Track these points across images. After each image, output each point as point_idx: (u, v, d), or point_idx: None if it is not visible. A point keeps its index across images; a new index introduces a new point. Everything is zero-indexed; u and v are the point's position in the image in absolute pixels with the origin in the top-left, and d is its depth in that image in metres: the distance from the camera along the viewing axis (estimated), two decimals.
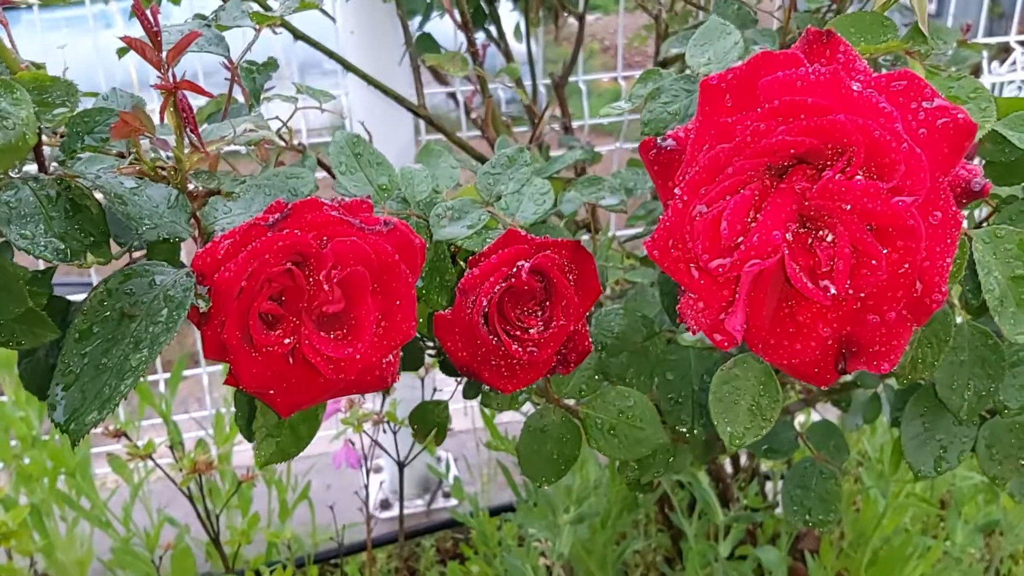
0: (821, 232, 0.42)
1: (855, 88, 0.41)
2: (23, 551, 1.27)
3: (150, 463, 1.07)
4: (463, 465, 1.95)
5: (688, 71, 0.64)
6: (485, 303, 0.52)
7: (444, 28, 1.48)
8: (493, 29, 1.41)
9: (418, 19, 1.39)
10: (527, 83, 1.46)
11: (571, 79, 1.66)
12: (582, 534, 1.42)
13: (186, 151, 0.49)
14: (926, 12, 0.57)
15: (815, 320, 0.43)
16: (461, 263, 0.59)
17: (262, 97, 0.67)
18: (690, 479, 1.41)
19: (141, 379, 0.45)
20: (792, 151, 0.42)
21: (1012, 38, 1.96)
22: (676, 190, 0.44)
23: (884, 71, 0.62)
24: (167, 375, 1.75)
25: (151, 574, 1.53)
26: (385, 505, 1.91)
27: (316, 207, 0.46)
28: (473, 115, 1.03)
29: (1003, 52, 2.02)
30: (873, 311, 0.42)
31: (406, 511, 1.90)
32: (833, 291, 0.41)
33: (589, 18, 1.44)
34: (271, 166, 0.71)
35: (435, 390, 1.15)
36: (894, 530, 1.27)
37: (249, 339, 0.46)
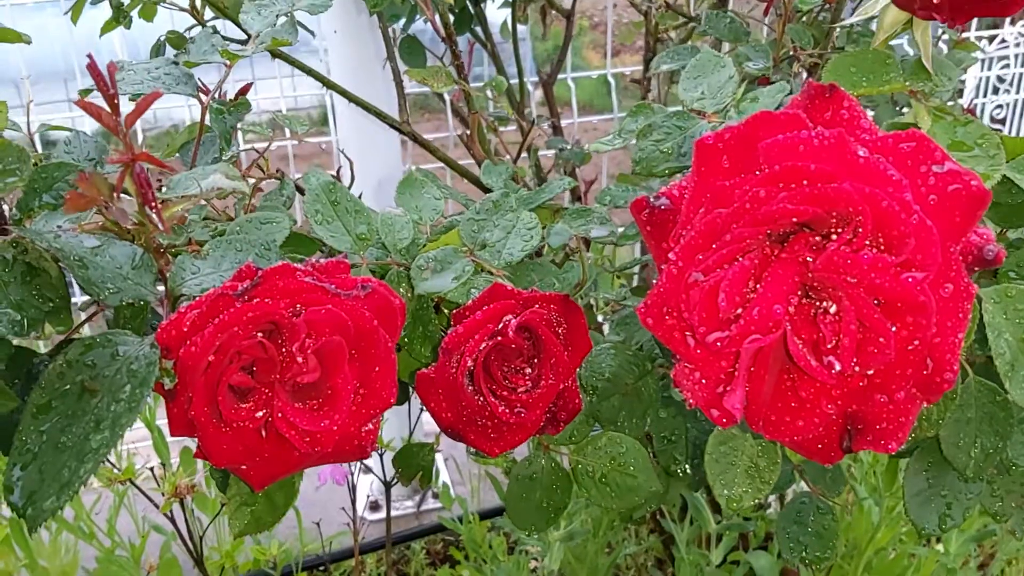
0: (825, 303, 0.39)
1: (861, 154, 0.38)
2: (4, 571, 1.25)
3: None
4: (452, 466, 1.93)
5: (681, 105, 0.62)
6: (470, 362, 0.49)
7: (430, 27, 1.45)
8: (479, 30, 1.38)
9: (402, 21, 1.35)
10: (514, 82, 1.43)
11: (560, 76, 1.63)
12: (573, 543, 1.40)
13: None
14: (930, 47, 0.55)
15: (818, 397, 0.40)
16: (445, 311, 0.57)
17: (236, 128, 0.64)
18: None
19: None
20: (794, 219, 0.39)
21: (1006, 31, 1.93)
22: (671, 255, 0.42)
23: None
24: None
25: None
26: (375, 507, 1.89)
27: (288, 273, 0.44)
28: (458, 132, 1.00)
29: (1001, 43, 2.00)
30: (880, 390, 0.39)
31: (396, 512, 1.88)
32: (838, 368, 0.39)
33: None
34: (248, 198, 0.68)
35: (421, 410, 1.12)
36: (889, 541, 1.25)
37: (218, 414, 0.43)
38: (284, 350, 0.44)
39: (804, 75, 1.07)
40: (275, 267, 0.43)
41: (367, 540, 1.61)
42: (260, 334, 0.43)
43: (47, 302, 0.46)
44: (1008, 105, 2.13)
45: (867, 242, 0.38)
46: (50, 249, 0.45)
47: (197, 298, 0.44)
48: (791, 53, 0.95)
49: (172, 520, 1.09)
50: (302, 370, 0.44)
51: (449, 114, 1.63)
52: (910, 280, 0.37)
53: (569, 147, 1.47)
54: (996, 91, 2.15)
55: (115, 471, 1.02)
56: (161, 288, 0.48)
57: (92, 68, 0.40)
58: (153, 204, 0.41)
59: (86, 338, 0.44)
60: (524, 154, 1.23)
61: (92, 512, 1.59)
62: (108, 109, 0.39)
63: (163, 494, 1.02)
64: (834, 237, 0.39)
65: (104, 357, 0.44)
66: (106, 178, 0.41)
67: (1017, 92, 2.12)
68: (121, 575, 1.56)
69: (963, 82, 1.97)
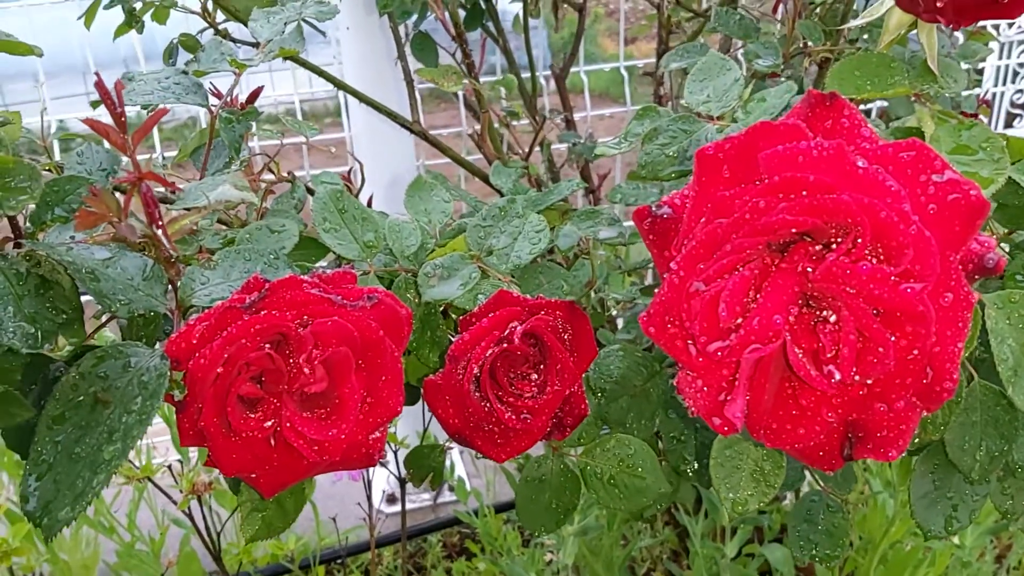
0: (825, 312, 0.40)
1: (860, 164, 0.38)
2: (26, 568, 1.27)
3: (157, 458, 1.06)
4: (468, 459, 1.94)
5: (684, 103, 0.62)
6: (476, 369, 0.50)
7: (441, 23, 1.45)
8: (491, 25, 1.38)
9: (414, 18, 1.36)
10: (526, 75, 1.43)
11: (572, 70, 1.63)
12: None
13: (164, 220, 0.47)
14: (936, 49, 0.55)
15: (819, 405, 0.40)
16: (453, 316, 0.57)
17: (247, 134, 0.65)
18: None
19: None
20: (793, 229, 0.39)
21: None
22: (672, 264, 0.42)
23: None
24: None
25: (158, 574, 1.52)
26: (392, 500, 1.90)
27: (295, 285, 0.44)
28: (471, 131, 1.00)
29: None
30: (880, 399, 0.39)
31: (412, 505, 1.89)
32: (838, 378, 0.39)
33: None
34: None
35: None
36: (903, 534, 1.25)
37: (228, 425, 0.44)
38: (292, 361, 0.44)
39: (815, 70, 1.06)
40: (282, 280, 0.44)
41: (384, 533, 1.62)
42: (268, 345, 0.44)
43: (60, 314, 0.47)
44: None
45: (866, 252, 0.38)
46: (62, 262, 0.46)
47: (207, 309, 0.45)
48: (802, 48, 0.95)
49: (190, 516, 1.10)
50: (310, 380, 0.44)
51: (462, 109, 1.63)
52: (909, 290, 0.37)
53: (582, 141, 1.47)
54: (1016, 76, 2.12)
55: (134, 468, 1.03)
56: (172, 298, 0.49)
57: (99, 86, 0.40)
58: (160, 224, 0.42)
59: (99, 349, 0.45)
60: (537, 148, 1.24)
61: (112, 507, 1.61)
62: (116, 127, 0.40)
63: (181, 491, 1.03)
64: (834, 247, 0.39)
65: (116, 368, 0.45)
66: (115, 194, 0.42)
67: None
68: (141, 569, 1.59)
69: (980, 72, 1.95)
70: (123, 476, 1.02)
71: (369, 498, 1.38)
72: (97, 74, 0.42)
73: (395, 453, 1.15)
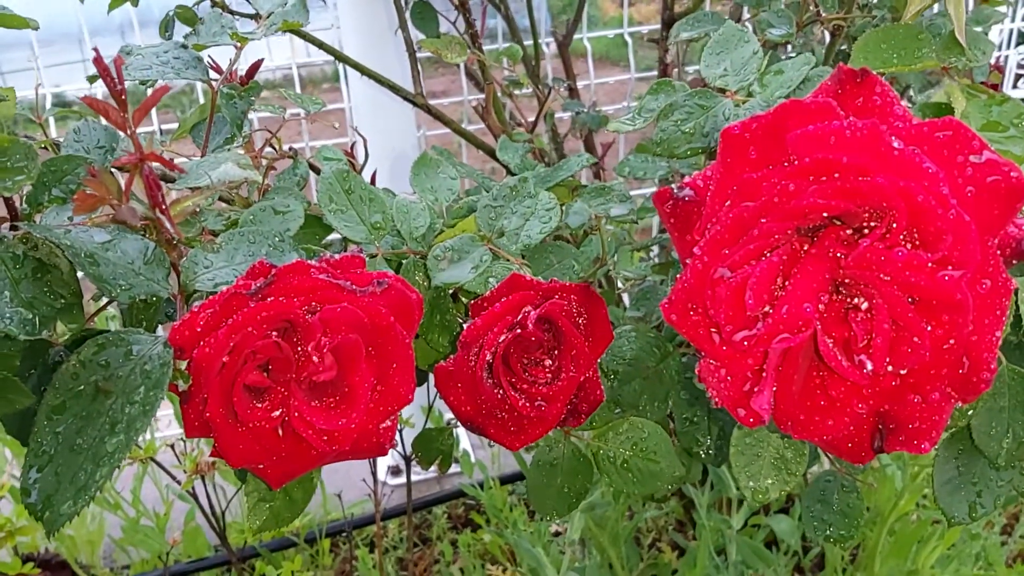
0: (857, 300, 0.38)
1: (896, 145, 0.37)
2: (31, 546, 1.26)
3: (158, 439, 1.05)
4: None
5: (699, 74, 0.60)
6: (489, 355, 0.48)
7: None
8: None
9: None
10: (528, 43, 1.40)
11: (576, 36, 1.60)
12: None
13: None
14: (964, 20, 0.53)
15: (849, 396, 0.39)
16: (463, 299, 0.56)
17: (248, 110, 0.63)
18: None
19: None
20: (825, 214, 0.38)
21: None
22: (696, 249, 0.40)
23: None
24: None
25: (163, 551, 1.52)
26: (396, 472, 1.90)
27: (302, 271, 0.43)
28: (474, 103, 0.98)
29: None
30: (914, 390, 0.38)
31: (417, 478, 1.89)
32: (870, 368, 0.37)
33: None
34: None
35: None
36: (912, 507, 1.24)
37: (234, 415, 0.42)
38: (300, 349, 0.43)
39: (827, 38, 1.04)
40: (289, 265, 0.42)
41: (389, 506, 1.62)
42: (275, 333, 0.42)
43: (59, 299, 0.45)
44: None
45: (901, 238, 0.37)
46: (60, 245, 0.44)
47: (210, 295, 0.43)
48: (815, 16, 0.93)
49: (193, 495, 1.09)
50: (318, 369, 0.43)
51: (463, 78, 1.60)
52: (947, 278, 0.36)
53: (586, 110, 1.44)
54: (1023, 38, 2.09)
55: (138, 448, 1.02)
56: (174, 282, 0.47)
57: (98, 62, 0.38)
58: (163, 207, 0.40)
59: (99, 336, 0.44)
60: (542, 123, 1.21)
61: (116, 483, 1.60)
62: (115, 105, 0.38)
63: (184, 471, 1.02)
64: (866, 231, 0.37)
65: (118, 357, 0.43)
66: (115, 175, 0.40)
67: None
68: (147, 544, 1.58)
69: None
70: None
71: (374, 472, 1.37)
72: (96, 49, 0.40)
73: (400, 433, 1.14)
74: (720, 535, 1.45)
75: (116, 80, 0.38)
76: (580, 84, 1.58)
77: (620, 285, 1.00)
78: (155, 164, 0.43)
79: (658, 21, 1.36)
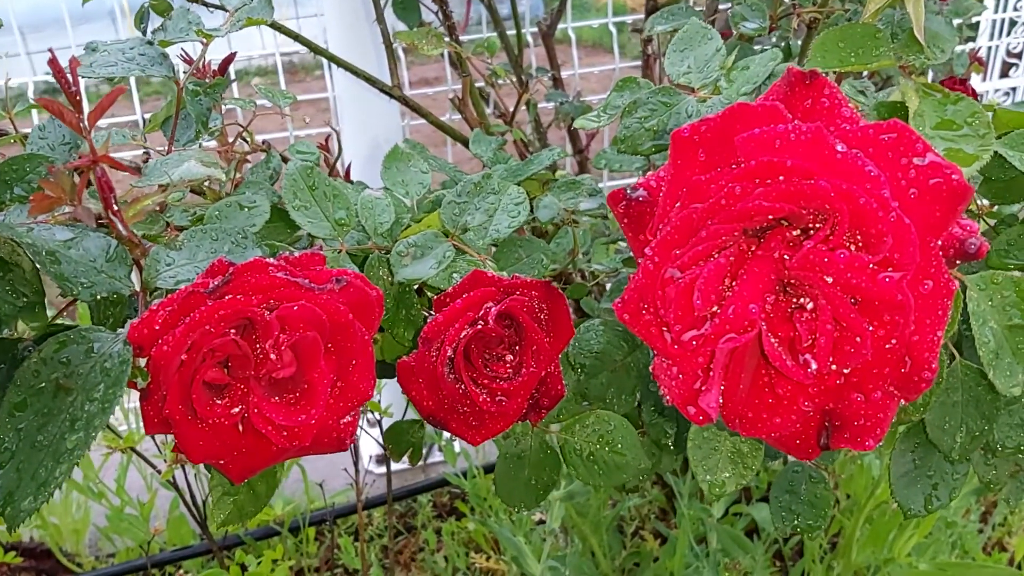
0: (801, 300, 0.39)
1: (839, 149, 0.37)
2: (13, 537, 1.27)
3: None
4: None
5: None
6: (450, 351, 0.49)
7: None
8: None
9: None
10: (511, 32, 1.40)
11: (561, 25, 1.60)
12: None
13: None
14: (923, 17, 0.53)
15: (795, 394, 0.40)
16: (428, 294, 0.56)
17: (221, 104, 0.63)
18: None
19: None
20: (770, 216, 0.38)
21: None
22: (647, 249, 0.41)
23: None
24: None
25: (147, 539, 1.53)
26: (380, 461, 1.90)
27: (260, 269, 0.43)
28: (451, 95, 0.98)
29: None
30: (857, 389, 0.39)
31: (401, 466, 1.90)
32: (814, 367, 0.38)
33: None
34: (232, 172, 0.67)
35: None
36: (888, 497, 1.25)
37: (193, 411, 0.43)
38: (258, 346, 0.43)
39: (804, 31, 1.04)
40: (247, 263, 0.43)
41: (372, 495, 1.63)
42: (233, 331, 0.43)
43: (20, 297, 0.45)
44: None
45: (844, 239, 0.37)
46: (21, 243, 0.44)
47: (171, 293, 0.44)
48: (790, 9, 0.93)
49: (174, 484, 1.10)
50: (277, 366, 0.43)
51: (447, 64, 1.59)
52: (887, 279, 0.36)
53: (569, 100, 1.44)
54: (1013, 27, 2.09)
55: (119, 438, 1.02)
56: (137, 279, 0.48)
57: (53, 64, 0.39)
58: (115, 209, 0.40)
59: (61, 334, 0.44)
60: (524, 108, 1.21)
61: (100, 472, 1.61)
62: (71, 107, 0.38)
63: (165, 460, 1.03)
64: (811, 233, 0.38)
65: (78, 354, 0.43)
66: (72, 176, 0.40)
67: None
68: (131, 532, 1.59)
69: (974, 27, 1.93)
70: (107, 445, 1.01)
71: (355, 462, 1.38)
72: (51, 50, 0.41)
73: (379, 422, 1.15)
74: (701, 523, 1.46)
75: (70, 81, 0.39)
76: (565, 74, 1.58)
77: (599, 279, 1.00)
78: (127, 154, 0.43)
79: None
